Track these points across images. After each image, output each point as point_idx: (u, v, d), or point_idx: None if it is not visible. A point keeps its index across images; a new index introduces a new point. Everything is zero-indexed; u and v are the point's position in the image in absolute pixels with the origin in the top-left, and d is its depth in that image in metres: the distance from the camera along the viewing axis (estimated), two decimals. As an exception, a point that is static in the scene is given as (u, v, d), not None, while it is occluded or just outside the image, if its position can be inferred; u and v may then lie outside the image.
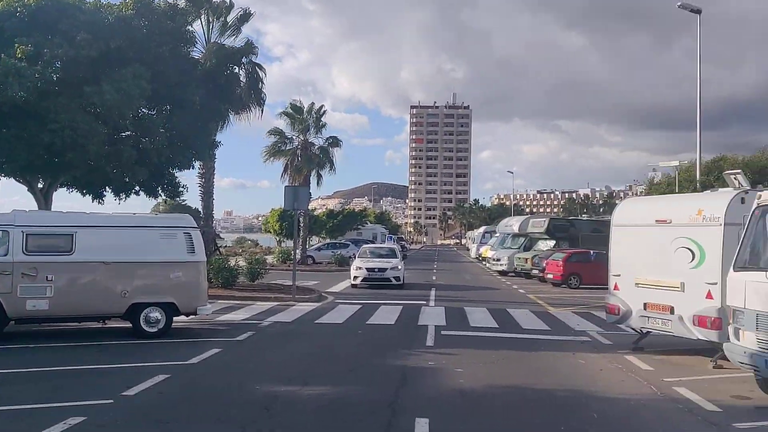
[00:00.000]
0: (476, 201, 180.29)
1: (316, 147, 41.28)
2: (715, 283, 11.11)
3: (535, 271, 33.24)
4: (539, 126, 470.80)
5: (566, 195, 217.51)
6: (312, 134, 41.05)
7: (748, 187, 11.82)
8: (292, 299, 20.68)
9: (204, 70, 19.50)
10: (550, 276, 30.39)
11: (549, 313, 19.27)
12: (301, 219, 41.60)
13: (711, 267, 11.26)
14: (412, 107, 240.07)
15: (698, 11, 25.84)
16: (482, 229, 67.87)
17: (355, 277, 26.84)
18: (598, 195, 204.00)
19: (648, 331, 12.79)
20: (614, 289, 13.41)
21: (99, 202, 20.18)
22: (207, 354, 11.67)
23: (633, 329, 13.20)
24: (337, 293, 24.43)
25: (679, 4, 25.63)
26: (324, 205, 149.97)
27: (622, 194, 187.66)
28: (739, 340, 9.26)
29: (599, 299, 23.92)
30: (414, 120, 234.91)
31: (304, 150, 40.37)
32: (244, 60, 25.36)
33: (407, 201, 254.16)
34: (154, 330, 13.41)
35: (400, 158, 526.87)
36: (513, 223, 42.23)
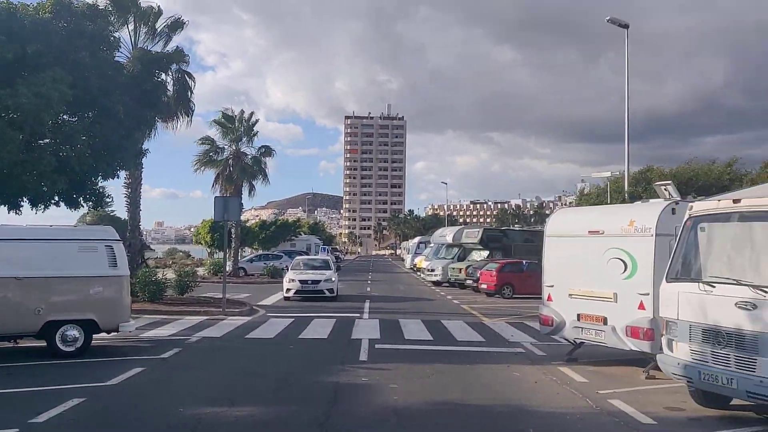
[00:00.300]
0: (411, 211, 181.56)
1: (249, 157, 40.56)
2: (647, 294, 11.15)
3: (469, 282, 33.35)
4: (472, 138, 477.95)
5: (498, 205, 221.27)
6: (244, 143, 40.34)
7: (678, 198, 11.96)
8: (222, 313, 20.03)
9: (129, 76, 18.71)
10: (483, 286, 30.49)
11: (483, 324, 19.19)
12: (232, 230, 40.74)
13: (643, 278, 11.30)
14: (347, 118, 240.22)
15: (626, 26, 26.42)
16: (417, 239, 68.02)
17: (288, 290, 26.28)
18: (528, 205, 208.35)
19: (581, 342, 12.78)
20: (548, 300, 13.36)
21: (16, 213, 19.09)
22: (128, 374, 11.02)
23: (567, 340, 13.16)
24: (269, 306, 23.84)
25: (607, 18, 26.15)
26: (257, 216, 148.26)
27: (552, 205, 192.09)
28: (672, 351, 9.24)
29: (532, 309, 24.07)
30: (349, 130, 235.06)
31: (236, 159, 39.56)
32: (173, 67, 24.62)
33: (342, 211, 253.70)
34: (72, 349, 12.62)
35: (335, 168, 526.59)
36: (447, 234, 42.38)
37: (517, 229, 55.38)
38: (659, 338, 10.98)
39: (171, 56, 23.89)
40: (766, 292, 7.96)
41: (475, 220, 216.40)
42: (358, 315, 20.99)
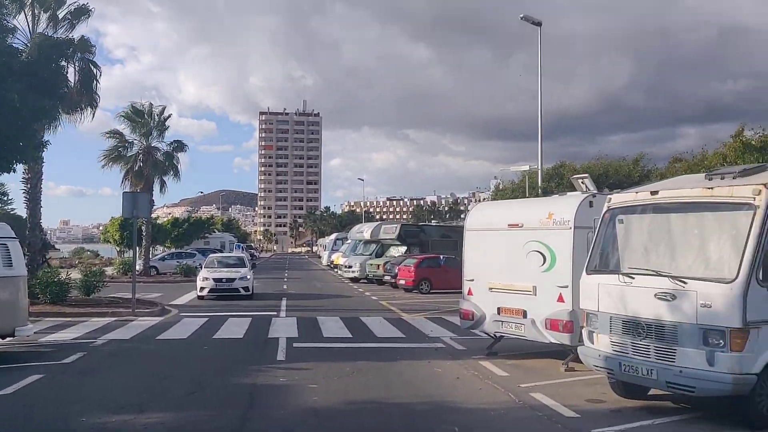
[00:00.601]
0: (327, 208, 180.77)
1: (160, 152, 39.09)
2: (566, 287, 11.19)
3: (387, 278, 33.22)
4: (388, 134, 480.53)
5: (414, 202, 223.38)
6: (155, 138, 38.83)
7: (595, 191, 12.06)
8: (132, 314, 19.11)
9: (25, 63, 17.49)
10: (402, 282, 30.43)
11: (402, 320, 19.03)
12: (143, 227, 39.26)
13: (562, 270, 11.33)
14: (262, 113, 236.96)
15: (539, 24, 26.86)
16: (333, 236, 67.58)
17: (202, 288, 25.43)
18: (443, 202, 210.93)
19: (501, 336, 12.76)
20: (468, 294, 13.27)
21: None
22: (25, 382, 10.22)
23: (487, 334, 13.10)
24: (183, 306, 22.98)
25: (521, 16, 26.51)
26: (170, 214, 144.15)
27: (466, 201, 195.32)
28: (593, 343, 9.26)
29: (450, 304, 24.16)
30: (263, 126, 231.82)
31: (147, 155, 38.08)
32: (77, 56, 23.31)
33: (257, 209, 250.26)
34: (-38, 356, 11.66)
35: (249, 165, 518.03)
36: (365, 230, 42.17)
37: (434, 224, 55.64)
38: (578, 330, 11.05)
39: (74, 44, 22.60)
40: (684, 282, 8.03)
41: (391, 216, 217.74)
42: (275, 313, 20.46)
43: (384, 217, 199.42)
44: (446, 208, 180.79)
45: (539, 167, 27.36)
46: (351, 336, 15.59)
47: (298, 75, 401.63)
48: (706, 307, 7.76)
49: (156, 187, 38.91)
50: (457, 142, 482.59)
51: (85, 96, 23.55)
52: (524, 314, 11.91)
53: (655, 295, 8.28)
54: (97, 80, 23.26)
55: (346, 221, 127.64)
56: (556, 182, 27.55)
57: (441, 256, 31.11)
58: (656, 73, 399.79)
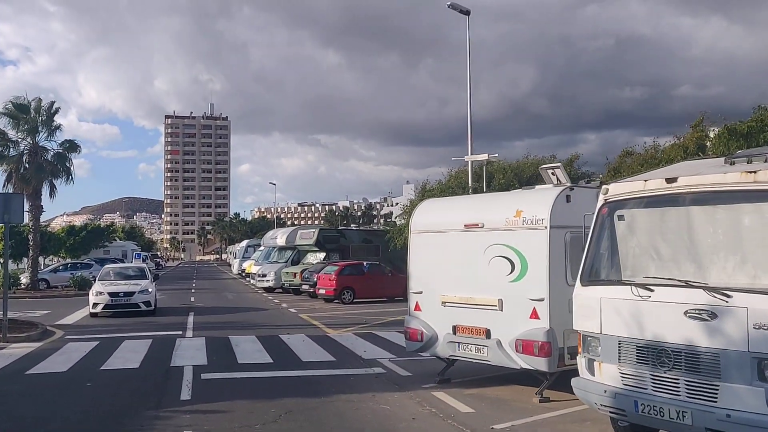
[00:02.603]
0: (237, 214, 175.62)
1: (50, 153, 35.13)
2: (542, 300, 9.16)
3: (305, 287, 30.72)
4: (298, 139, 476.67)
5: (327, 207, 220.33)
6: (43, 137, 34.83)
7: (570, 183, 10.08)
8: (2, 340, 15.91)
9: None
10: (322, 291, 28.00)
11: (329, 338, 16.65)
12: (30, 236, 35.24)
13: (535, 280, 9.30)
14: (167, 117, 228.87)
15: (467, 12, 25.08)
16: (245, 242, 64.31)
17: (95, 305, 22.17)
18: (356, 207, 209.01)
19: (456, 360, 10.61)
20: (415, 310, 11.07)
21: None
22: None
23: (439, 358, 10.92)
24: (70, 326, 19.79)
25: (449, 4, 24.66)
26: (70, 222, 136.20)
27: (378, 206, 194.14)
28: (594, 374, 7.18)
29: (379, 315, 21.98)
30: (169, 131, 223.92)
31: (33, 155, 34.07)
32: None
33: (163, 216, 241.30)
34: None
35: (155, 171, 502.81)
36: (279, 235, 39.43)
37: (355, 228, 53.51)
38: (557, 353, 9.09)
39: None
40: (728, 296, 6.07)
41: (303, 222, 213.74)
42: (180, 333, 17.67)
43: (296, 223, 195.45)
44: (359, 213, 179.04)
45: (469, 165, 25.55)
46: (272, 361, 13.08)
47: (205, 78, 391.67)
48: (762, 329, 5.82)
49: (45, 191, 34.97)
50: (367, 147, 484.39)
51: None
52: (487, 334, 9.80)
53: (686, 312, 6.28)
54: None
55: (257, 228, 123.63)
56: (486, 181, 25.73)
57: (364, 263, 28.96)
58: (559, 80, 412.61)
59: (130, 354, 13.97)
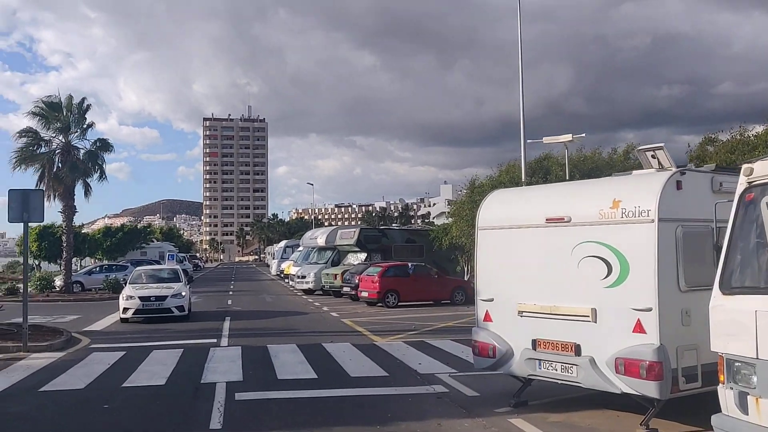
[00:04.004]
0: (275, 215, 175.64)
1: (82, 151, 34.14)
2: (649, 310, 7.39)
3: (346, 289, 29.18)
4: (335, 141, 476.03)
5: (363, 208, 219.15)
6: (75, 136, 33.84)
7: (681, 167, 8.25)
8: (23, 349, 14.62)
9: None
10: (364, 294, 26.39)
11: (376, 347, 15.03)
12: (64, 237, 34.32)
13: (639, 285, 7.53)
14: (206, 120, 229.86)
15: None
16: (283, 243, 63.04)
17: (126, 309, 20.84)
18: (393, 207, 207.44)
19: (534, 379, 8.88)
20: (485, 321, 9.37)
21: None
22: None
23: (516, 377, 9.21)
24: (98, 332, 18.51)
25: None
26: (112, 224, 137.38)
27: (416, 206, 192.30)
28: (747, 413, 5.43)
29: (426, 320, 20.32)
30: (208, 133, 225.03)
31: (66, 154, 33.11)
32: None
33: (203, 218, 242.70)
34: None
35: (194, 174, 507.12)
36: (318, 235, 37.97)
37: (397, 228, 51.73)
38: (669, 375, 7.31)
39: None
40: None
41: (340, 223, 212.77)
42: (215, 341, 16.22)
43: (333, 223, 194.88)
44: (396, 214, 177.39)
45: (522, 157, 23.75)
46: (316, 377, 11.47)
47: (243, 82, 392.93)
48: None
49: (79, 191, 34.02)
50: (403, 148, 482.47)
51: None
52: (577, 350, 8.07)
53: None
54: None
55: (295, 228, 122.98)
56: (541, 176, 23.93)
57: (409, 264, 27.26)
58: (595, 80, 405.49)
59: (157, 367, 12.50)
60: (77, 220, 39.07)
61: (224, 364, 12.71)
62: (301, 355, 13.62)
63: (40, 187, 31.77)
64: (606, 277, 7.86)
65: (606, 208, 7.95)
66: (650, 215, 7.49)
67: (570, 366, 8.17)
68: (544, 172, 24.49)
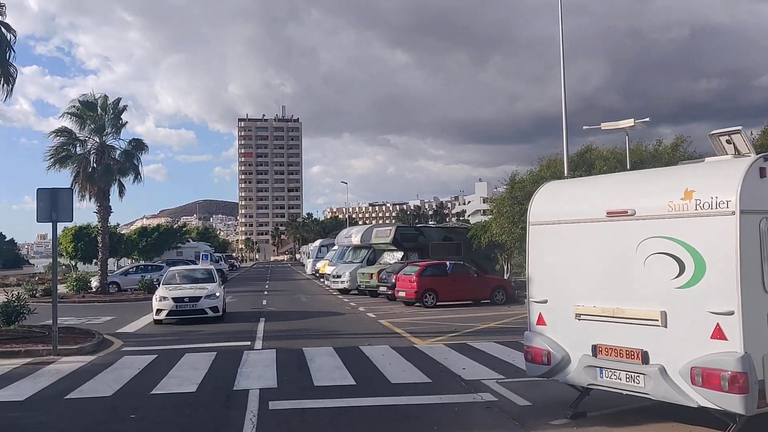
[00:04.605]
0: (309, 215, 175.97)
1: (117, 152, 34.01)
2: (730, 313, 6.56)
3: (382, 288, 28.50)
4: (368, 140, 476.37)
5: (397, 207, 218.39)
6: (110, 136, 33.71)
7: (757, 154, 7.37)
8: (53, 353, 14.21)
9: None
10: (401, 294, 25.69)
11: (417, 350, 14.32)
12: (99, 237, 34.24)
13: (718, 285, 6.70)
14: (240, 120, 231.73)
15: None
16: (318, 242, 62.63)
17: (159, 311, 20.42)
18: (427, 206, 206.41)
19: (593, 388, 8.07)
20: (538, 324, 8.60)
21: None
22: None
23: (573, 386, 8.41)
24: (131, 335, 18.10)
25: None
26: (149, 225, 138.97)
27: (450, 204, 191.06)
28: None
29: (467, 321, 19.55)
30: (243, 133, 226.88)
31: (101, 155, 32.99)
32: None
33: (238, 218, 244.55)
34: None
35: (230, 174, 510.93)
36: (354, 234, 37.38)
37: (434, 225, 50.93)
38: (755, 387, 6.46)
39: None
40: None
41: (375, 221, 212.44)
42: (248, 343, 15.66)
43: (367, 222, 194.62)
44: (431, 212, 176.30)
45: (565, 150, 22.76)
46: (354, 383, 10.80)
47: (276, 82, 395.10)
48: None
49: (113, 191, 33.90)
50: (436, 146, 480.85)
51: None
52: (644, 357, 7.26)
53: None
54: (10, 47, 18.13)
55: (329, 227, 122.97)
56: (584, 170, 22.96)
57: (447, 263, 26.48)
58: (630, 74, 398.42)
59: (188, 372, 11.95)
60: (114, 221, 39.12)
61: (258, 369, 12.10)
62: (338, 359, 12.97)
63: (75, 186, 31.74)
64: (678, 276, 7.04)
65: (677, 199, 7.13)
66: (730, 206, 6.66)
67: (636, 375, 7.36)
68: (587, 165, 23.53)
